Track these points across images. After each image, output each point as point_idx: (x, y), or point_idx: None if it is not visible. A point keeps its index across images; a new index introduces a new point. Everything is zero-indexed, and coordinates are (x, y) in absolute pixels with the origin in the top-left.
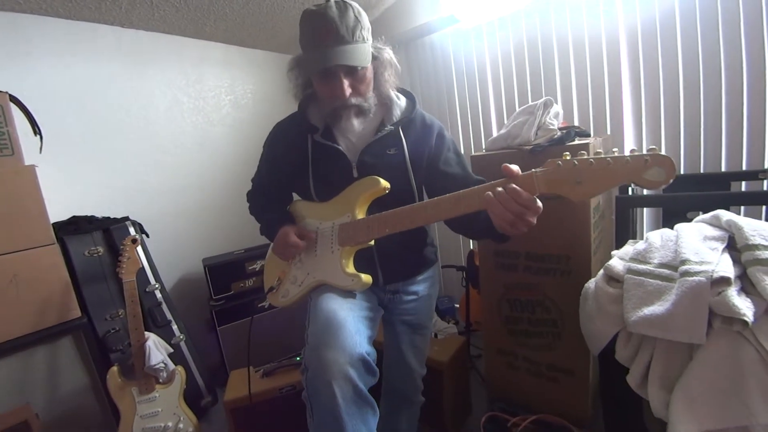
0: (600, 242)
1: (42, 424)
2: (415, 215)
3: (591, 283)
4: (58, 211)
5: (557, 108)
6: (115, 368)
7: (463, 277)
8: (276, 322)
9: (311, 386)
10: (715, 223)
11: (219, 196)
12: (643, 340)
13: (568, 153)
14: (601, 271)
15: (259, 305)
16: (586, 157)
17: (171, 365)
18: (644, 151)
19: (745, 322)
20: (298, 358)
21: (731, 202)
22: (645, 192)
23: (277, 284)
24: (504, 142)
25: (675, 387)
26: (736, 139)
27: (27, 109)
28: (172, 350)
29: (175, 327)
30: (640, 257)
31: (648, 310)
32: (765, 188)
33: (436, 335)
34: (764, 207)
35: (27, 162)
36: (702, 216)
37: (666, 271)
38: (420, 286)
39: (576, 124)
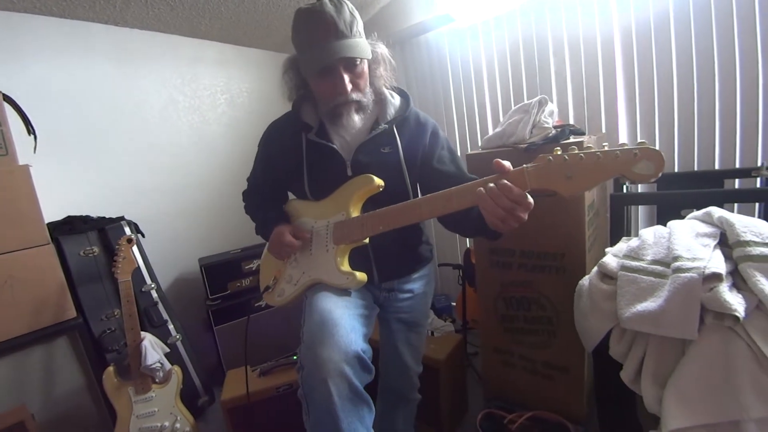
0: (594, 239)
1: (38, 425)
2: (408, 212)
3: (585, 280)
4: (52, 211)
5: (552, 106)
6: (111, 368)
7: (460, 275)
8: (273, 321)
9: (307, 384)
10: (707, 220)
11: (215, 195)
12: (637, 336)
13: (558, 148)
14: (595, 268)
15: (256, 304)
16: (576, 152)
17: (167, 365)
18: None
19: (737, 318)
20: (294, 357)
21: (725, 199)
22: (639, 189)
23: (272, 283)
24: (499, 140)
25: (667, 382)
26: (729, 137)
27: (21, 108)
28: (168, 350)
29: (171, 327)
30: (633, 254)
31: (641, 307)
32: (758, 185)
33: (432, 333)
34: (757, 204)
35: (21, 162)
36: (694, 213)
37: (659, 268)
38: (415, 284)
39: (571, 122)
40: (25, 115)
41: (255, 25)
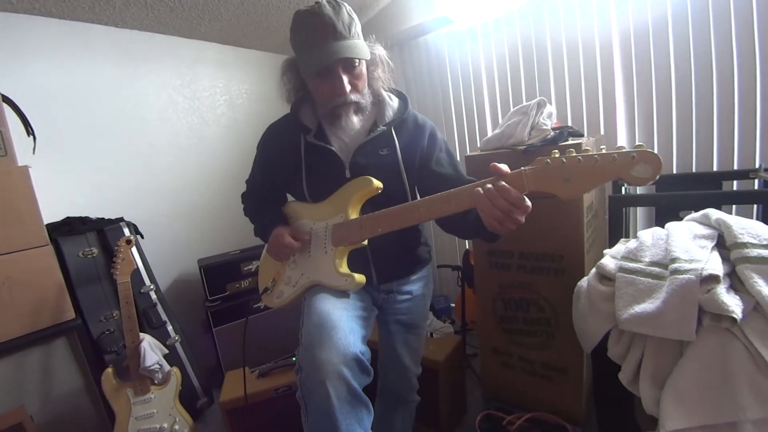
0: (593, 241)
1: (37, 426)
2: (407, 214)
3: (583, 282)
4: (51, 212)
5: (550, 108)
6: (109, 370)
7: (459, 276)
8: (271, 322)
9: (305, 386)
10: (705, 222)
11: (214, 196)
12: (635, 338)
13: (556, 151)
14: (594, 270)
15: (255, 306)
16: (574, 154)
17: (166, 366)
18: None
19: (734, 319)
20: (293, 359)
21: (723, 201)
22: (638, 191)
23: (271, 285)
24: (498, 142)
25: (665, 383)
26: (727, 139)
27: (20, 109)
28: (167, 351)
29: (170, 328)
30: (631, 256)
31: (639, 308)
32: (756, 187)
33: (431, 335)
34: (755, 205)
35: (20, 163)
36: (692, 215)
37: (657, 270)
38: (414, 286)
39: (569, 124)
40: (25, 116)
41: (255, 26)
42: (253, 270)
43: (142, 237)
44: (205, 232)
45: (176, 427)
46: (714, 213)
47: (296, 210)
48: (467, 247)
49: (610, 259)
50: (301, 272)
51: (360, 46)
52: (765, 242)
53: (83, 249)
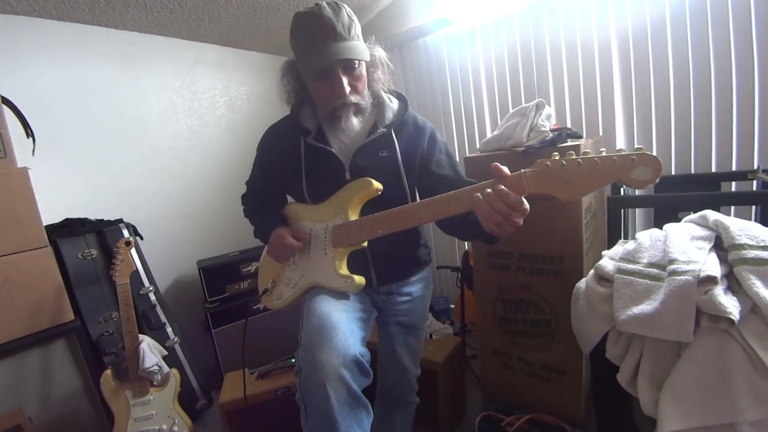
0: (592, 242)
1: (35, 428)
2: (407, 216)
3: (582, 283)
4: (51, 214)
5: (549, 110)
6: (108, 371)
7: (458, 277)
8: (271, 324)
9: (305, 388)
10: (703, 223)
11: (214, 197)
12: (633, 339)
13: (556, 153)
14: (592, 271)
15: (254, 307)
16: (574, 157)
17: (165, 368)
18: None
19: (732, 321)
20: (293, 360)
21: (721, 202)
22: (637, 192)
23: (271, 286)
24: (497, 143)
25: (664, 385)
26: (725, 140)
27: (20, 111)
28: (166, 353)
29: (169, 329)
30: (629, 257)
31: (637, 309)
32: (754, 188)
33: (431, 336)
34: (753, 207)
35: (20, 164)
36: (690, 216)
37: (654, 271)
38: (414, 287)
39: (568, 125)
40: (24, 118)
41: (254, 28)
42: (252, 271)
43: (141, 238)
44: (205, 234)
45: (175, 428)
46: (711, 214)
47: (296, 211)
48: (467, 248)
49: (608, 261)
50: (301, 274)
51: (360, 48)
52: (762, 244)
53: (82, 250)
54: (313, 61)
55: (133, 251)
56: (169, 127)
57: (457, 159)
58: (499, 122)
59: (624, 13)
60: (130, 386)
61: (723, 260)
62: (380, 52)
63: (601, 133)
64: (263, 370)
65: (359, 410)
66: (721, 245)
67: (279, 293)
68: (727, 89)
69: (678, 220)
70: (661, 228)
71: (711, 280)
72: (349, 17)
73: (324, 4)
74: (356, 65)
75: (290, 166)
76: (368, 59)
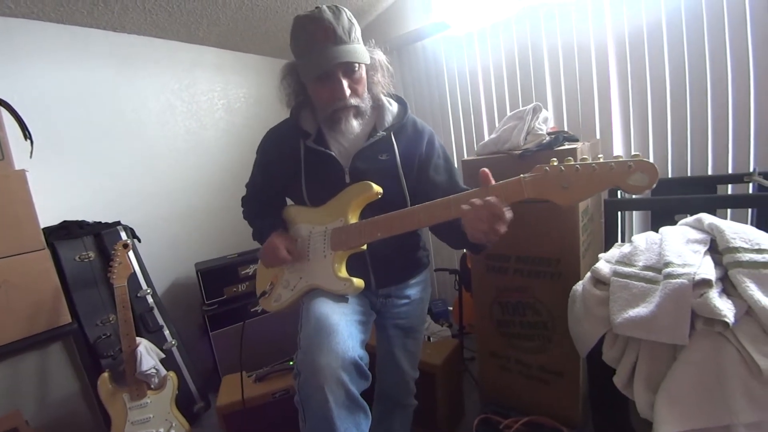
0: (589, 245)
1: (32, 431)
2: (406, 219)
3: (579, 286)
4: (48, 216)
5: (546, 113)
6: (106, 374)
7: (456, 280)
8: (269, 326)
9: (303, 391)
10: (698, 227)
11: (212, 200)
12: (629, 342)
13: (555, 159)
14: (589, 274)
15: (252, 310)
16: (572, 163)
17: (163, 371)
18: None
19: (727, 324)
20: (290, 363)
21: (718, 205)
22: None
23: (269, 289)
24: (494, 146)
25: (659, 387)
26: (721, 143)
27: (17, 113)
28: (164, 356)
29: (167, 332)
30: (625, 260)
31: (633, 312)
32: (750, 191)
33: (429, 338)
34: (749, 210)
35: (17, 167)
36: (686, 219)
37: (650, 274)
38: (412, 290)
39: (566, 128)
40: (22, 120)
41: (252, 31)
42: (250, 274)
43: (139, 241)
44: (203, 236)
45: (172, 431)
46: (707, 218)
47: (295, 214)
48: (465, 251)
49: (604, 264)
50: (300, 276)
51: (360, 51)
52: (757, 247)
53: (80, 253)
54: (313, 64)
55: (131, 253)
56: (167, 129)
57: (455, 162)
58: (497, 125)
59: (621, 17)
60: (127, 389)
61: (718, 263)
62: (380, 56)
63: (598, 137)
64: (261, 373)
65: (358, 413)
66: (716, 248)
67: (277, 295)
68: (723, 92)
69: (674, 222)
70: (657, 231)
71: (706, 284)
72: (350, 21)
73: (324, 7)
74: (356, 68)
75: (290, 169)
76: (368, 62)
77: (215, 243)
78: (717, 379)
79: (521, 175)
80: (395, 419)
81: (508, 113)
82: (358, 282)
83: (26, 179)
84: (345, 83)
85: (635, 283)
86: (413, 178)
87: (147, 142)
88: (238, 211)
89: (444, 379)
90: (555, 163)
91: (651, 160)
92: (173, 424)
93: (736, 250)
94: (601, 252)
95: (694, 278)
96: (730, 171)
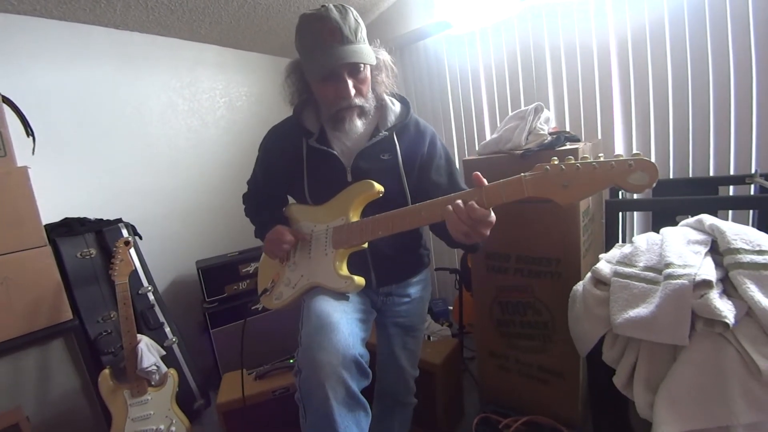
0: (590, 245)
1: (33, 427)
2: (408, 218)
3: (579, 286)
4: (50, 213)
5: (547, 113)
6: (106, 371)
7: (456, 279)
8: (269, 324)
9: (304, 388)
10: (699, 228)
11: (213, 198)
12: (629, 342)
13: (555, 158)
14: (589, 274)
15: (253, 308)
16: (573, 162)
17: (163, 368)
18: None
19: (727, 324)
20: (291, 361)
21: (719, 206)
22: (635, 196)
23: (270, 286)
24: (496, 146)
25: (659, 388)
26: (723, 144)
27: (20, 110)
28: (164, 353)
29: (167, 329)
30: (626, 260)
31: (633, 313)
32: (752, 193)
33: (429, 338)
34: (751, 211)
35: (19, 163)
36: (686, 220)
37: (651, 274)
38: (413, 289)
39: (567, 129)
40: (24, 117)
41: (255, 29)
42: (251, 272)
43: (140, 238)
44: (204, 234)
45: (173, 428)
46: (708, 219)
47: (297, 212)
48: None
49: (605, 264)
50: (301, 274)
51: (366, 51)
52: (758, 248)
53: (81, 250)
54: (319, 63)
55: (132, 251)
56: (169, 127)
57: (457, 161)
58: (499, 125)
59: (623, 17)
60: (128, 386)
61: (719, 264)
62: (385, 56)
63: (599, 137)
64: (261, 370)
65: (358, 411)
66: (717, 249)
67: (278, 293)
68: (725, 93)
69: (675, 223)
70: (658, 232)
71: (706, 284)
72: (356, 20)
73: (331, 6)
74: (362, 68)
75: (292, 168)
76: (374, 63)
77: (216, 241)
78: (717, 379)
79: (522, 174)
80: (395, 418)
81: (510, 113)
82: (359, 280)
83: (28, 176)
84: (350, 83)
85: (636, 283)
86: (414, 177)
87: (148, 140)
88: (239, 209)
89: (444, 378)
90: (556, 162)
91: (653, 160)
92: (173, 421)
93: (737, 251)
94: (602, 252)
95: (694, 279)
96: (731, 172)
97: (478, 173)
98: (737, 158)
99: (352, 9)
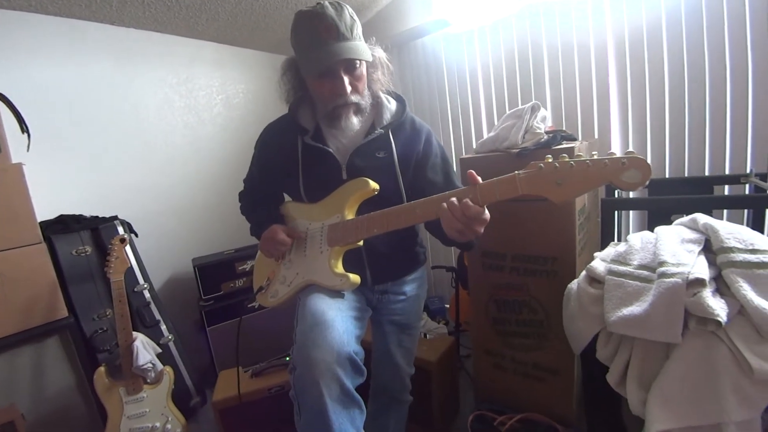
0: (585, 244)
1: (28, 425)
2: (403, 215)
3: (574, 284)
4: (45, 210)
5: (544, 112)
6: (102, 368)
7: (453, 277)
8: (266, 322)
9: (298, 385)
10: (693, 226)
11: (210, 195)
12: (623, 340)
13: (550, 156)
14: (584, 272)
15: (249, 305)
16: (566, 159)
17: (159, 365)
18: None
19: (719, 323)
20: (287, 358)
21: (714, 205)
22: (631, 195)
23: (266, 284)
24: (492, 144)
25: (652, 385)
26: (719, 143)
27: (15, 106)
28: (160, 350)
29: (163, 327)
30: (620, 259)
31: (627, 311)
32: (746, 192)
33: (425, 335)
34: (745, 210)
35: (14, 160)
36: (681, 219)
37: (645, 273)
38: (408, 287)
39: (564, 128)
40: (19, 114)
41: (252, 26)
42: (247, 269)
43: (136, 235)
44: (200, 231)
45: (168, 426)
46: (701, 218)
47: (292, 210)
48: None
49: (599, 262)
50: (296, 272)
51: (362, 48)
52: (751, 247)
53: (77, 247)
54: (315, 60)
55: (128, 248)
56: (165, 123)
57: (454, 160)
58: (496, 123)
59: (621, 17)
60: (124, 383)
61: (712, 263)
62: (380, 53)
63: (596, 136)
64: (257, 368)
65: (352, 408)
66: (711, 248)
67: (274, 291)
68: (721, 94)
69: (671, 222)
70: (653, 231)
71: (699, 283)
72: (352, 17)
73: (326, 3)
74: (357, 65)
75: (287, 165)
76: (370, 59)
77: (212, 238)
78: (709, 377)
79: (516, 172)
80: (391, 415)
81: (507, 112)
82: (354, 278)
83: (23, 173)
84: (346, 80)
85: (630, 282)
86: (410, 175)
87: (145, 137)
88: (236, 206)
89: (439, 376)
90: (550, 160)
91: (649, 160)
92: (169, 419)
93: (730, 250)
94: (597, 251)
95: (687, 278)
96: (727, 172)
97: (473, 171)
98: (732, 158)
99: (347, 6)
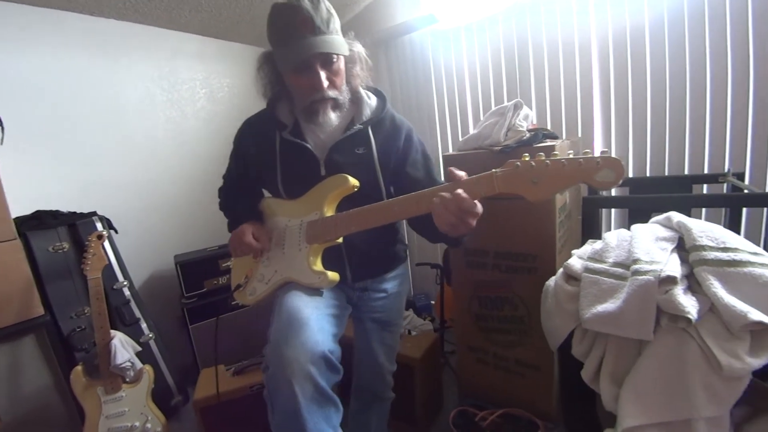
0: (565, 241)
1: (4, 425)
2: (381, 213)
3: (551, 281)
4: (20, 206)
5: (527, 110)
6: (79, 367)
7: (437, 274)
8: (249, 320)
9: (271, 384)
10: (667, 224)
11: (192, 191)
12: (597, 337)
13: (527, 154)
14: (561, 270)
15: (232, 303)
16: (542, 158)
17: (138, 364)
18: (597, 154)
19: (689, 320)
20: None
21: (693, 204)
22: (612, 193)
23: (244, 282)
24: (475, 142)
25: (624, 381)
26: (698, 143)
27: None
28: (140, 349)
29: (144, 325)
30: (597, 256)
31: (601, 308)
32: (724, 191)
33: (410, 332)
34: (723, 209)
35: None
36: (656, 217)
37: (619, 270)
38: (389, 284)
39: (549, 126)
40: None
41: (237, 18)
42: (231, 266)
43: (116, 232)
44: (182, 228)
45: (148, 425)
46: (675, 216)
47: (271, 207)
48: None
49: (576, 260)
50: (275, 269)
51: (338, 42)
52: (722, 245)
53: (53, 243)
54: (291, 54)
55: (108, 245)
56: (146, 118)
57: (440, 157)
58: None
59: (605, 17)
60: (102, 383)
61: (684, 261)
62: (359, 48)
63: (579, 135)
64: (239, 366)
65: (327, 407)
66: (684, 246)
67: (252, 289)
68: (701, 94)
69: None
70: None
71: (671, 280)
72: (328, 11)
73: None
74: (334, 59)
75: (265, 161)
76: (347, 54)
77: (195, 235)
78: (679, 374)
79: (494, 170)
80: (373, 412)
81: (493, 109)
82: (333, 275)
83: None
84: (323, 74)
85: (605, 279)
86: (390, 172)
87: (125, 131)
88: (218, 202)
89: (423, 372)
90: (527, 159)
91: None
92: (149, 418)
93: (702, 248)
94: (578, 248)
95: (660, 275)
96: (705, 171)
97: (453, 168)
98: (711, 158)
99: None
